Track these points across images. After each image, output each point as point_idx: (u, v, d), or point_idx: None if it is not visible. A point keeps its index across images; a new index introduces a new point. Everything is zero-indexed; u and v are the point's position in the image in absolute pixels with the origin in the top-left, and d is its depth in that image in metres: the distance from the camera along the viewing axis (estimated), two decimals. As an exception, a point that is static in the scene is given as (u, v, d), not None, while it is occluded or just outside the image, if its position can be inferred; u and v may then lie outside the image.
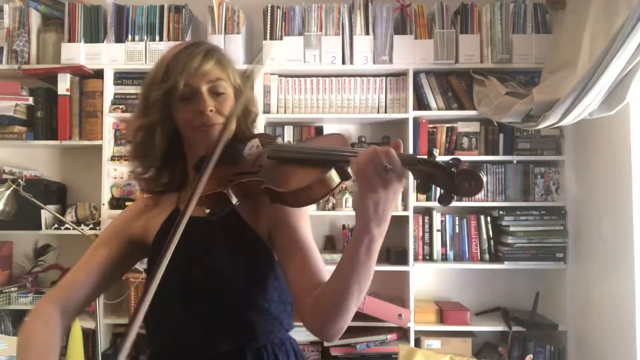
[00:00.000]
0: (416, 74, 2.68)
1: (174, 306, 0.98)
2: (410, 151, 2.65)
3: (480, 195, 2.71)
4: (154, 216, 1.09)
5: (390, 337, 2.60)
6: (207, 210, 0.96)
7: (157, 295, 0.80)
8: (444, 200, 0.77)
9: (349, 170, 0.84)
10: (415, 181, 0.79)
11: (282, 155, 0.96)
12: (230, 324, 0.98)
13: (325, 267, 0.95)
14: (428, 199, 2.70)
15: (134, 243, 1.10)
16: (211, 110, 1.00)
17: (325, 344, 2.59)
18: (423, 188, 0.79)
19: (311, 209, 2.52)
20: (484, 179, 0.74)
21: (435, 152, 0.78)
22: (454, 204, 2.71)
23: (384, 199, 0.77)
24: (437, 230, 2.72)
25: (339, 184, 0.87)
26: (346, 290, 0.83)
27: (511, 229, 2.64)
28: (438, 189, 0.77)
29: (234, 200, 0.92)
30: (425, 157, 0.77)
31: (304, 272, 0.93)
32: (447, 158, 0.78)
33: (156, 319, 0.94)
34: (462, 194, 0.75)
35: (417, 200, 2.67)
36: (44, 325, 1.00)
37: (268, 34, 2.69)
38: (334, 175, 0.86)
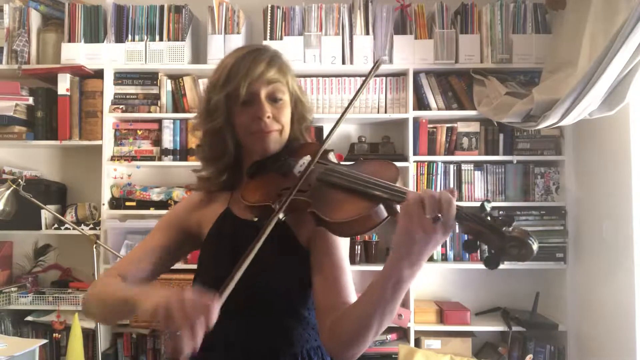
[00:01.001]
0: (416, 74, 2.68)
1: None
2: (410, 151, 2.65)
3: (480, 195, 2.71)
4: (207, 213, 1.11)
5: (390, 337, 2.60)
6: (256, 219, 0.99)
7: (205, 287, 0.80)
8: (491, 263, 0.74)
9: (398, 207, 0.82)
10: (466, 236, 0.76)
11: (332, 180, 0.94)
12: (268, 328, 0.99)
13: (354, 291, 0.96)
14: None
15: (188, 234, 1.13)
16: (268, 117, 1.01)
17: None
18: (471, 247, 0.77)
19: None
20: (535, 248, 0.72)
21: (488, 206, 0.75)
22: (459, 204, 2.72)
23: (423, 245, 0.75)
24: (437, 230, 2.71)
25: (385, 219, 0.85)
26: (366, 321, 0.83)
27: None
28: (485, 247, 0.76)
29: (281, 216, 0.91)
30: (477, 212, 0.74)
31: (331, 289, 0.94)
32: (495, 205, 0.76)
33: None
34: (510, 259, 0.73)
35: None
36: (113, 281, 1.03)
37: (268, 34, 2.69)
38: (381, 211, 0.84)
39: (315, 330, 1.03)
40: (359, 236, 0.87)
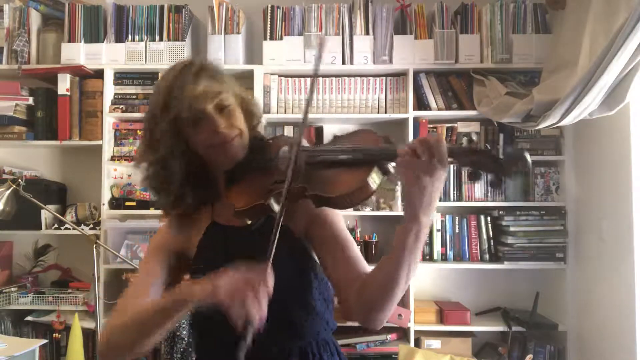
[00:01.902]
0: (416, 74, 2.68)
1: (215, 314, 0.94)
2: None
3: (480, 195, 2.71)
4: (193, 232, 1.10)
5: (390, 337, 2.60)
6: (249, 222, 1.00)
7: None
8: (495, 184, 0.83)
9: (390, 166, 0.88)
10: (466, 170, 0.84)
11: (321, 160, 0.96)
12: (278, 324, 0.99)
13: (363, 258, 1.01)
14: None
15: (178, 256, 1.11)
16: (224, 127, 1.01)
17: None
18: (474, 176, 0.83)
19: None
20: (529, 157, 0.78)
21: (475, 137, 0.83)
22: (453, 203, 2.72)
23: (429, 186, 0.82)
24: (437, 230, 2.72)
25: (382, 180, 0.91)
26: (396, 277, 0.87)
27: (511, 229, 2.64)
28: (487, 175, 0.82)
29: (276, 209, 0.93)
30: (468, 146, 0.82)
31: (346, 264, 0.97)
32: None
33: (205, 319, 1.00)
34: (511, 176, 0.81)
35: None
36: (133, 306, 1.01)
37: (268, 34, 2.69)
38: (376, 174, 0.89)
39: (324, 320, 1.05)
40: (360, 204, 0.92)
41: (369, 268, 0.97)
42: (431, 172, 0.81)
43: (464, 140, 0.84)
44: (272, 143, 1.09)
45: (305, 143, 1.05)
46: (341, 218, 1.05)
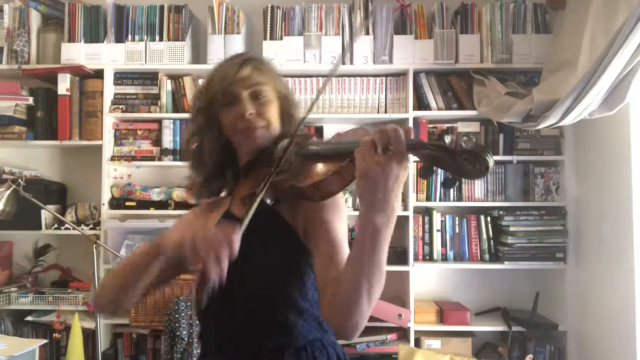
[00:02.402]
0: (416, 74, 2.68)
1: (218, 303, 0.99)
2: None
3: (480, 195, 2.71)
4: (212, 218, 1.13)
5: (390, 337, 2.60)
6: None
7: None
8: (448, 183, 0.74)
9: None
10: (419, 167, 0.79)
11: (305, 152, 0.97)
12: (270, 323, 1.01)
13: None
14: (428, 199, 2.71)
15: None
16: (251, 114, 1.03)
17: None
18: (425, 172, 0.76)
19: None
20: (490, 159, 0.69)
21: (447, 137, 0.74)
22: (453, 203, 2.72)
23: (382, 181, 0.75)
24: (437, 230, 2.72)
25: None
26: (355, 283, 0.81)
27: (511, 229, 2.64)
28: (442, 172, 0.75)
29: (268, 201, 0.94)
30: (429, 139, 0.76)
31: (330, 264, 0.92)
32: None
33: (206, 312, 1.02)
34: (468, 176, 0.71)
35: (417, 200, 2.68)
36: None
37: (268, 34, 2.69)
38: (350, 166, 0.84)
39: (317, 322, 1.03)
40: (334, 194, 0.88)
41: None
42: (384, 165, 0.74)
43: (463, 139, 0.76)
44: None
45: (314, 141, 1.05)
46: (340, 221, 1.01)
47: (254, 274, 1.00)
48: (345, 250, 0.95)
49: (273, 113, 1.07)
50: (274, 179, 0.94)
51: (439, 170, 0.78)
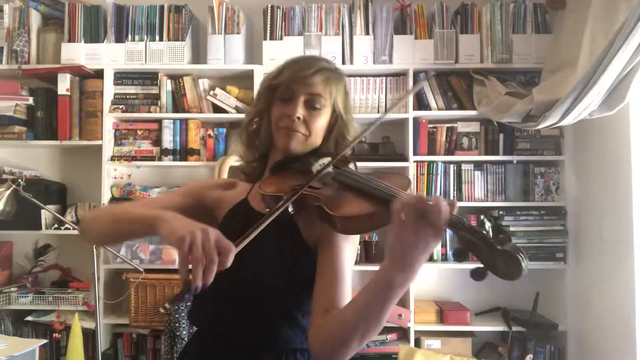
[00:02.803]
0: (416, 74, 2.68)
1: (215, 288, 0.99)
2: (410, 151, 2.65)
3: (480, 195, 2.71)
4: (228, 195, 1.16)
5: (390, 337, 2.60)
6: (267, 210, 0.99)
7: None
8: (478, 274, 0.74)
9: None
10: (456, 245, 0.77)
11: (344, 180, 0.97)
12: (252, 321, 1.01)
13: (350, 298, 0.95)
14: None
15: (202, 208, 1.15)
16: (298, 118, 1.05)
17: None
18: (460, 255, 0.76)
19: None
20: (524, 266, 0.70)
21: (487, 224, 0.76)
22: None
23: (414, 247, 0.75)
24: (437, 230, 2.71)
25: (389, 223, 0.85)
26: (354, 325, 0.83)
27: (511, 229, 2.64)
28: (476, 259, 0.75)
29: (290, 209, 0.95)
30: (474, 225, 0.75)
31: (327, 291, 0.94)
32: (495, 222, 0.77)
33: (202, 296, 1.01)
34: (497, 273, 0.72)
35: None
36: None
37: (268, 34, 2.69)
38: (385, 213, 0.84)
39: (304, 334, 1.02)
40: (361, 234, 0.89)
41: None
42: (419, 234, 0.74)
43: (487, 223, 0.76)
44: (330, 154, 1.10)
45: (352, 167, 1.07)
46: (350, 251, 1.01)
47: (257, 269, 1.01)
48: (346, 283, 0.96)
49: (319, 126, 1.07)
50: (304, 191, 0.95)
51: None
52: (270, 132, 1.10)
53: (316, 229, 1.01)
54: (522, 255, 0.70)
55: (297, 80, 1.05)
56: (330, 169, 1.00)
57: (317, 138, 1.09)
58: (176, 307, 2.43)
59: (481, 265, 0.74)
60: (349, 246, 1.01)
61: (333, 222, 0.91)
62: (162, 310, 0.82)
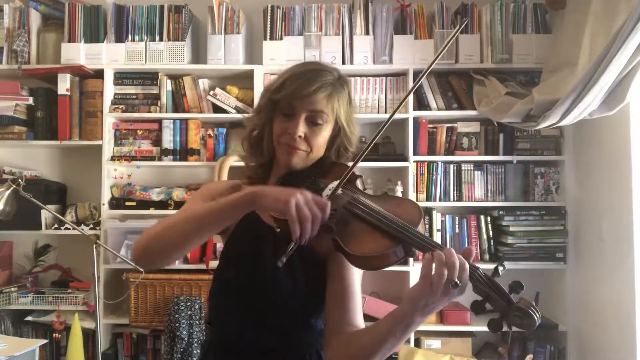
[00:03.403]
0: (416, 74, 2.68)
1: (231, 301, 1.07)
2: (410, 151, 2.65)
3: (480, 195, 2.71)
4: None
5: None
6: (278, 230, 1.00)
7: (224, 284, 0.90)
8: (495, 327, 0.80)
9: (416, 251, 0.87)
10: (474, 297, 0.82)
11: (358, 213, 0.96)
12: (274, 332, 1.04)
13: (361, 313, 1.01)
14: (428, 199, 2.70)
15: None
16: (300, 136, 1.04)
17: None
18: (478, 308, 0.81)
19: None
20: (537, 320, 0.77)
21: (501, 270, 0.81)
22: (453, 203, 2.72)
23: (438, 301, 0.81)
24: (437, 230, 2.71)
25: (402, 259, 0.90)
26: (372, 351, 0.89)
27: (511, 229, 2.64)
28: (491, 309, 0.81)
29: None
30: (489, 275, 0.80)
31: (341, 310, 0.98)
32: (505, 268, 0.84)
33: (218, 308, 1.06)
34: (512, 326, 0.78)
35: (417, 200, 2.67)
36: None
37: (268, 34, 2.69)
38: (400, 251, 0.88)
39: (322, 336, 1.05)
40: (372, 271, 0.92)
41: (362, 324, 0.99)
42: (447, 294, 0.80)
43: (500, 269, 0.79)
44: (335, 166, 1.12)
45: (360, 185, 1.07)
46: (359, 270, 1.04)
47: (272, 284, 1.03)
48: (357, 298, 1.01)
49: (320, 142, 1.07)
50: None
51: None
52: (272, 145, 1.10)
53: (325, 244, 1.02)
54: (534, 310, 0.77)
55: (299, 97, 1.03)
56: (340, 191, 1.00)
57: (319, 152, 1.09)
58: (176, 307, 2.43)
59: (497, 317, 0.80)
60: None
61: (348, 257, 0.93)
62: (279, 264, 0.87)
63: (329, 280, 1.02)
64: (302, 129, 1.04)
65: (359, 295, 1.02)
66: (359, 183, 1.08)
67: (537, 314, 0.77)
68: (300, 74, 1.05)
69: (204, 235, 0.99)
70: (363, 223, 0.94)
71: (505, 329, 0.80)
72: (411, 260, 2.62)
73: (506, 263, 2.59)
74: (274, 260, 0.91)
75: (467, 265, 0.79)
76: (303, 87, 1.02)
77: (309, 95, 1.03)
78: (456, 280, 0.77)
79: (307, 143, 1.06)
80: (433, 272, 0.79)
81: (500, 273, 0.81)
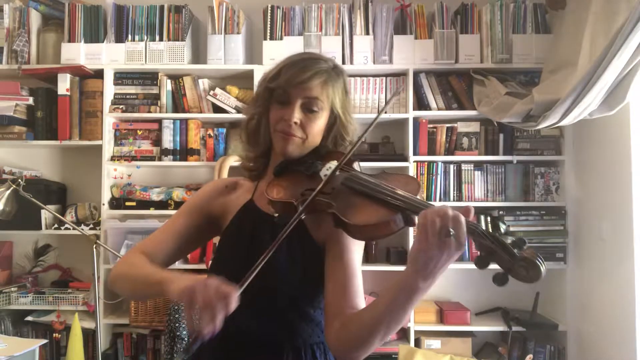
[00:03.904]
0: (416, 74, 2.68)
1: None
2: (410, 151, 2.65)
3: (480, 195, 2.71)
4: (232, 199, 1.16)
5: (390, 337, 2.59)
6: (276, 215, 1.02)
7: (222, 271, 0.87)
8: (499, 280, 0.77)
9: (415, 218, 0.86)
10: (476, 253, 0.80)
11: (356, 187, 0.98)
12: (272, 320, 1.03)
13: (363, 295, 1.00)
14: (428, 199, 2.70)
15: (210, 219, 1.16)
16: (295, 123, 1.05)
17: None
18: (481, 263, 0.79)
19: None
20: (543, 270, 0.74)
21: (502, 226, 0.79)
22: (453, 203, 2.72)
23: (437, 259, 0.79)
24: (437, 230, 2.71)
25: (402, 228, 0.90)
26: (374, 327, 0.88)
27: (511, 229, 2.64)
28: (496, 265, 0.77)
29: (303, 215, 0.96)
30: (491, 231, 0.78)
31: (341, 293, 0.97)
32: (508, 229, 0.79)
33: None
34: (518, 278, 0.75)
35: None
36: (140, 259, 1.08)
37: (268, 34, 2.69)
38: (399, 219, 0.88)
39: (319, 328, 1.06)
40: (374, 241, 0.94)
41: (363, 305, 0.97)
42: (444, 249, 0.78)
43: (502, 227, 0.78)
44: (332, 153, 1.12)
45: (357, 167, 1.08)
46: (359, 248, 1.05)
47: (269, 271, 1.00)
48: (359, 281, 1.00)
49: (316, 129, 1.08)
50: (315, 198, 0.96)
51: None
52: (269, 133, 1.10)
53: (323, 229, 1.04)
54: (540, 260, 0.74)
55: (294, 84, 1.04)
56: (338, 172, 1.01)
57: (315, 140, 1.09)
58: (176, 307, 2.43)
59: (502, 271, 0.77)
60: (357, 245, 1.04)
61: (348, 229, 0.93)
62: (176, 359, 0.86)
63: (328, 265, 1.02)
64: (297, 116, 1.05)
65: (360, 278, 1.01)
66: (356, 165, 1.08)
67: (543, 264, 0.74)
68: (295, 62, 1.07)
69: (149, 298, 1.02)
70: (361, 196, 0.95)
71: (508, 282, 0.76)
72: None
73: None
74: (275, 250, 0.91)
75: (462, 218, 0.77)
76: (298, 74, 1.04)
77: (304, 82, 1.04)
78: (450, 229, 0.76)
79: (302, 130, 1.06)
80: (427, 220, 0.78)
81: (501, 229, 0.78)
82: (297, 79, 1.04)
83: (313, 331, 1.06)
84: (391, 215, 0.88)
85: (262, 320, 1.03)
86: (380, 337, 0.89)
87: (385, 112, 2.28)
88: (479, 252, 0.79)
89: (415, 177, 1.01)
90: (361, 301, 0.97)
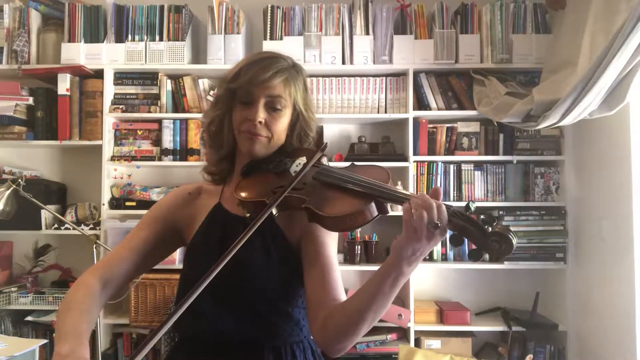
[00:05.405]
0: (416, 74, 2.68)
1: (205, 295, 1.00)
2: (410, 151, 2.65)
3: (480, 195, 2.71)
4: (198, 206, 1.15)
5: (390, 337, 2.60)
6: (247, 215, 1.02)
7: (193, 282, 0.85)
8: (474, 256, 0.81)
9: (388, 206, 0.89)
10: (450, 233, 0.83)
11: (328, 180, 0.99)
12: (251, 321, 1.03)
13: (342, 287, 1.00)
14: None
15: (175, 228, 1.14)
16: (260, 122, 1.05)
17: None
18: (456, 241, 0.83)
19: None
20: (515, 242, 0.78)
21: (472, 205, 0.82)
22: (453, 203, 2.72)
23: (423, 247, 0.82)
24: (437, 230, 2.71)
25: (376, 217, 0.92)
26: (362, 315, 0.88)
27: (511, 229, 2.63)
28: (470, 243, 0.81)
29: (274, 212, 0.96)
30: (462, 210, 0.81)
31: (322, 286, 0.98)
32: (480, 204, 0.83)
33: (196, 302, 1.02)
34: (491, 253, 0.79)
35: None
36: (84, 295, 1.02)
37: (268, 34, 2.69)
38: (373, 208, 0.90)
39: (298, 327, 1.06)
40: (349, 231, 0.95)
41: (344, 297, 0.98)
42: (431, 238, 0.81)
43: (472, 205, 0.82)
44: (299, 150, 1.13)
45: (324, 162, 1.09)
46: (333, 241, 1.06)
47: (244, 273, 1.02)
48: (337, 273, 1.00)
49: (281, 127, 1.08)
50: (287, 194, 0.97)
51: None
52: (233, 135, 1.09)
53: (297, 225, 1.05)
54: (512, 234, 0.78)
55: (256, 84, 1.04)
56: (307, 169, 1.02)
57: (280, 138, 1.10)
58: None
59: (475, 247, 0.81)
60: (332, 236, 1.06)
61: (324, 222, 0.94)
62: None
63: (305, 261, 1.03)
64: (262, 115, 1.04)
65: (338, 270, 1.02)
66: (324, 161, 1.10)
67: (515, 237, 0.78)
68: (255, 62, 1.06)
69: None
70: (333, 188, 0.97)
71: (483, 257, 0.81)
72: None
73: (507, 263, 2.63)
74: (248, 245, 0.91)
75: (443, 207, 0.80)
76: (260, 73, 1.04)
77: (266, 81, 1.03)
78: (437, 222, 0.79)
79: (268, 129, 1.06)
80: (414, 217, 0.80)
81: (471, 208, 0.82)
82: (259, 78, 1.03)
83: (293, 330, 1.05)
84: (365, 204, 0.90)
85: (241, 322, 1.02)
86: (368, 324, 0.89)
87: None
88: (452, 231, 0.83)
89: (384, 167, 1.03)
90: (342, 293, 0.98)
